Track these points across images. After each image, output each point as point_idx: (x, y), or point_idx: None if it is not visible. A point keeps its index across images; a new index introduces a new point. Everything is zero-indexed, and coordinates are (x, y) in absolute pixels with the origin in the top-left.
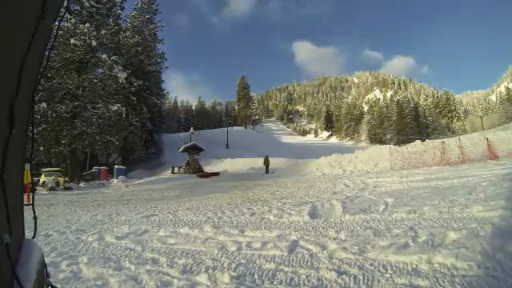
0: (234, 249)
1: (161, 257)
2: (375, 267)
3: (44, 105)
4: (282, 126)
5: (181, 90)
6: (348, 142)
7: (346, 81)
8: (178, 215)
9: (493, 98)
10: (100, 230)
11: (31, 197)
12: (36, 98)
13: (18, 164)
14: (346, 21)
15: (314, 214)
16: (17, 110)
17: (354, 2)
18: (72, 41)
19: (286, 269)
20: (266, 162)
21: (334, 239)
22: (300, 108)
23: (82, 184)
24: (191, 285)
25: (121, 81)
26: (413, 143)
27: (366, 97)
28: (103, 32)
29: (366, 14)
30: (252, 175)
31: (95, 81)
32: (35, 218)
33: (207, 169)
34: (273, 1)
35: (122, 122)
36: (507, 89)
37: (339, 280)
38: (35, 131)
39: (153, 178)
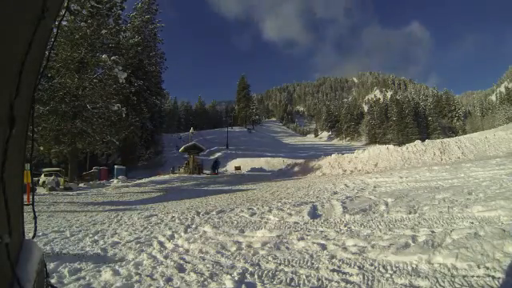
0: (234, 249)
1: (160, 257)
2: (375, 267)
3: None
4: (283, 127)
5: (181, 90)
6: (348, 142)
7: (346, 81)
8: (177, 215)
9: (493, 97)
10: (100, 229)
11: (31, 197)
12: (36, 98)
13: (18, 164)
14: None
15: (314, 214)
16: (17, 109)
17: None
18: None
19: (286, 269)
20: None
21: (334, 239)
22: (300, 108)
23: (81, 184)
24: (191, 285)
25: (121, 81)
26: (413, 143)
27: (366, 97)
28: (103, 32)
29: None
30: (252, 175)
31: (95, 81)
32: (35, 218)
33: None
34: None
35: (121, 122)
36: (507, 89)
37: (339, 280)
38: (35, 131)
39: (153, 177)
